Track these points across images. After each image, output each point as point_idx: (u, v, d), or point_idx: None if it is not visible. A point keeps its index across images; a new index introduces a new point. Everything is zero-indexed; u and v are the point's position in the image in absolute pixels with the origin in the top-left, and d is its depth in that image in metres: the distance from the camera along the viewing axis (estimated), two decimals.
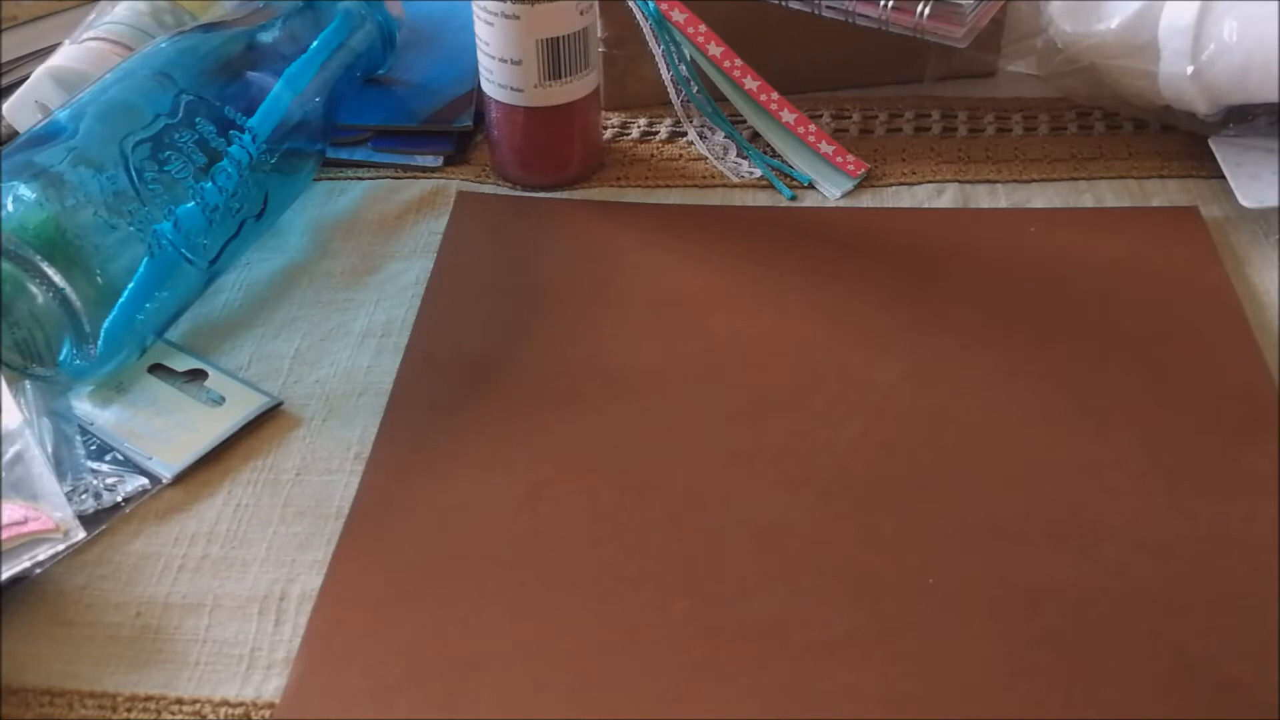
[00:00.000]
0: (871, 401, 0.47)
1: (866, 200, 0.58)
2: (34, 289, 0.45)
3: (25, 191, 0.46)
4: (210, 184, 0.50)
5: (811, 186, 0.59)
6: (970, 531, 0.42)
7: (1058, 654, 0.38)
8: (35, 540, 0.42)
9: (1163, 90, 0.55)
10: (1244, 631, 0.38)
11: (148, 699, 0.39)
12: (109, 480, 0.45)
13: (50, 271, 0.45)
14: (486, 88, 0.58)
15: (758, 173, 0.60)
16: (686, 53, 0.60)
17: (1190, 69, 0.53)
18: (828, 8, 0.57)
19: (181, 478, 0.46)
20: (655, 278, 0.53)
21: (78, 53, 0.59)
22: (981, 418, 0.46)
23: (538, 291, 0.53)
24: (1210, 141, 0.57)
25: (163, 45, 0.53)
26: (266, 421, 0.48)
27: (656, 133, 0.63)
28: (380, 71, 0.65)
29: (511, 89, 0.56)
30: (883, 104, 0.64)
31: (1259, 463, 0.44)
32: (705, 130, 0.62)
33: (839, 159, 0.59)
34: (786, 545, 0.42)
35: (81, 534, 0.43)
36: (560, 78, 0.56)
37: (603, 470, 0.45)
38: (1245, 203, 0.53)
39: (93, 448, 0.47)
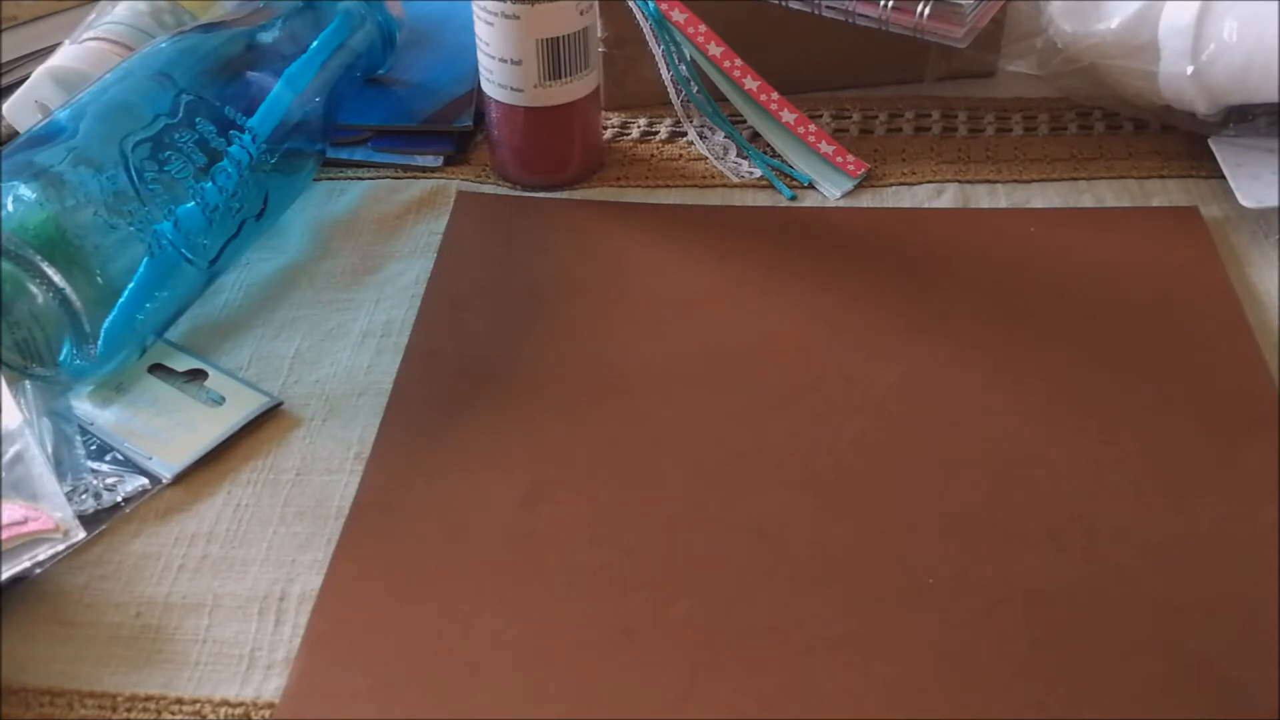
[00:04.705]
0: (872, 401, 0.47)
1: (866, 200, 0.58)
2: (34, 289, 0.45)
3: (25, 191, 0.46)
4: (210, 184, 0.50)
5: (811, 186, 0.59)
6: (970, 531, 0.42)
7: (1058, 654, 0.38)
8: (35, 540, 0.42)
9: (1163, 90, 0.55)
10: (1244, 631, 0.38)
11: (148, 699, 0.39)
12: (109, 480, 0.45)
13: (50, 271, 0.45)
14: (486, 88, 0.58)
15: (758, 173, 0.60)
16: (686, 53, 0.60)
17: (1190, 69, 0.53)
18: (828, 8, 0.57)
19: (181, 478, 0.46)
20: (655, 278, 0.53)
21: (78, 53, 0.59)
22: (981, 418, 0.46)
23: (538, 291, 0.53)
24: (1210, 141, 0.57)
25: (163, 45, 0.53)
26: (266, 421, 0.48)
27: (656, 133, 0.63)
28: (380, 71, 0.65)
29: (511, 89, 0.56)
30: (883, 104, 0.64)
31: (1259, 463, 0.44)
32: (705, 130, 0.62)
33: (839, 159, 0.59)
34: (786, 545, 0.42)
35: (81, 534, 0.43)
36: (560, 78, 0.56)
37: (603, 470, 0.45)
38: (1245, 203, 0.53)
39: (93, 448, 0.47)
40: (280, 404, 0.49)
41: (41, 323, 0.46)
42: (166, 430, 0.47)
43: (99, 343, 0.46)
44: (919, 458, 0.45)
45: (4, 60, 0.65)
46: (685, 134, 0.62)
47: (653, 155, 0.62)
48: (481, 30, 0.56)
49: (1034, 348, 0.49)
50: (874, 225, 0.56)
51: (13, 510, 0.42)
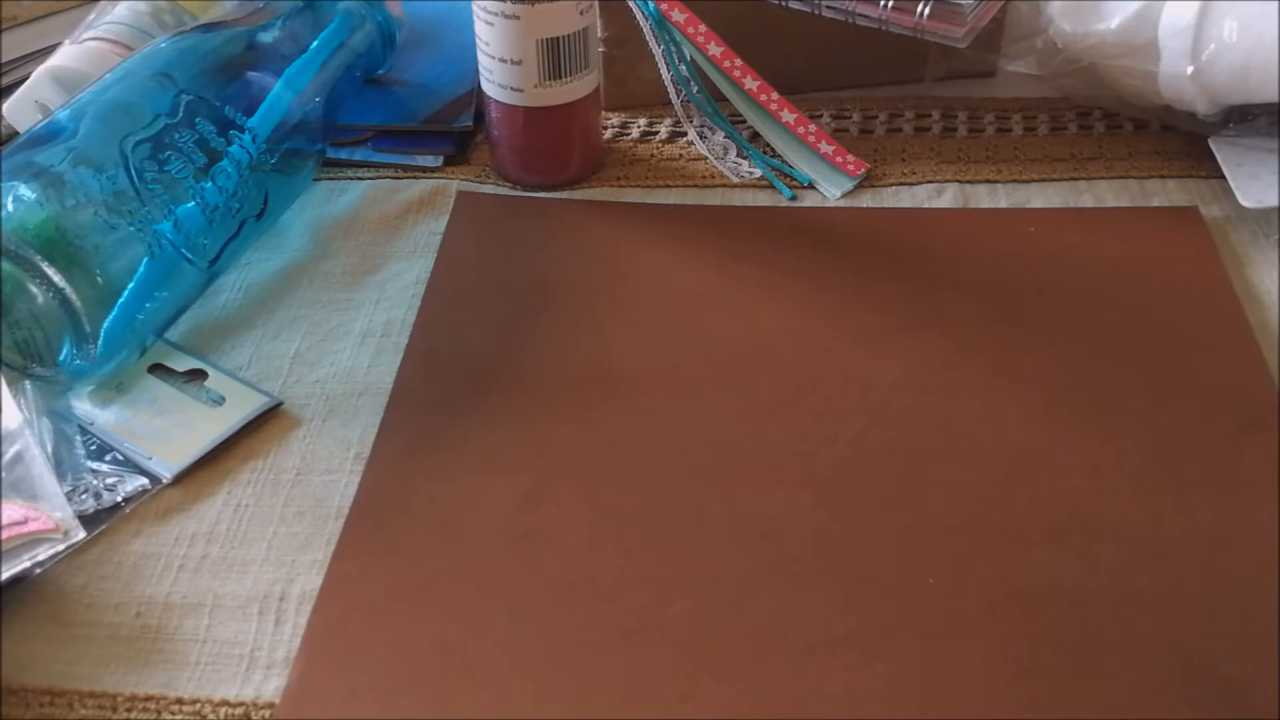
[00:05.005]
0: (871, 401, 0.47)
1: (866, 200, 0.58)
2: (34, 289, 0.45)
3: (25, 191, 0.46)
4: (210, 184, 0.50)
5: (811, 186, 0.59)
6: (970, 531, 0.42)
7: (1058, 654, 0.38)
8: (35, 540, 0.42)
9: (1163, 90, 0.55)
10: (1244, 631, 0.38)
11: (148, 699, 0.39)
12: (109, 480, 0.45)
13: (50, 271, 0.45)
14: (486, 88, 0.58)
15: (758, 173, 0.60)
16: (686, 53, 0.60)
17: (1190, 69, 0.53)
18: (828, 8, 0.57)
19: (181, 478, 0.46)
20: (655, 278, 0.53)
21: (78, 53, 0.59)
22: (981, 417, 0.46)
23: (537, 291, 0.53)
24: (1210, 141, 0.57)
25: (163, 45, 0.53)
26: (266, 421, 0.48)
27: (656, 133, 0.63)
28: (380, 71, 0.65)
29: (511, 89, 0.56)
30: (883, 104, 0.64)
31: (1259, 463, 0.44)
32: (705, 130, 0.62)
33: (839, 159, 0.59)
34: (786, 545, 0.42)
35: (81, 534, 0.43)
36: (560, 78, 0.56)
37: (603, 470, 0.45)
38: (1245, 203, 0.53)
39: (93, 448, 0.47)
40: (280, 404, 0.49)
41: (41, 323, 0.46)
42: (166, 430, 0.47)
43: (99, 343, 0.46)
44: (919, 457, 0.45)
45: (4, 60, 0.65)
46: (685, 134, 0.62)
47: (653, 155, 0.62)
48: (481, 30, 0.56)
49: (1034, 347, 0.49)
50: (874, 225, 0.56)
51: (13, 510, 0.42)
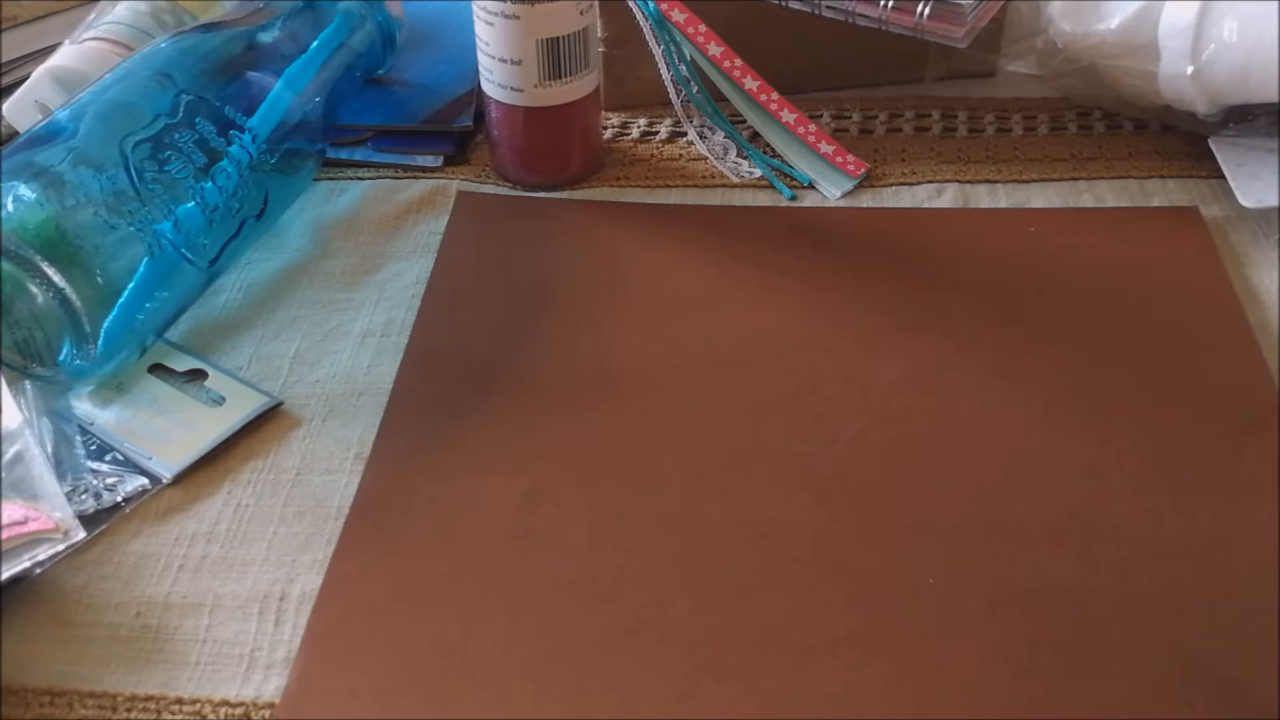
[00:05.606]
0: (871, 401, 0.47)
1: (866, 200, 0.58)
2: (34, 289, 0.45)
3: (25, 191, 0.46)
4: (210, 184, 0.50)
5: (811, 186, 0.59)
6: (970, 531, 0.42)
7: (1058, 654, 0.38)
8: (35, 540, 0.42)
9: (1163, 90, 0.55)
10: (1244, 631, 0.38)
11: (148, 699, 0.39)
12: (109, 480, 0.45)
13: (50, 271, 0.45)
14: (486, 88, 0.58)
15: (758, 173, 0.60)
16: (686, 53, 0.60)
17: (1190, 69, 0.53)
18: (828, 8, 0.57)
19: (181, 478, 0.46)
20: (655, 278, 0.53)
21: (78, 53, 0.59)
22: (981, 417, 0.46)
23: (537, 291, 0.53)
24: (1210, 141, 0.57)
25: (163, 45, 0.53)
26: (266, 421, 0.48)
27: (656, 133, 0.63)
28: (380, 71, 0.65)
29: (511, 89, 0.56)
30: (883, 104, 0.64)
31: (1259, 463, 0.44)
32: (705, 130, 0.62)
33: (839, 159, 0.59)
34: (786, 545, 0.42)
35: (81, 534, 0.43)
36: (560, 78, 0.56)
37: (603, 470, 0.45)
38: (1245, 203, 0.53)
39: (93, 448, 0.47)
40: (280, 404, 0.49)
41: (41, 323, 0.46)
42: (166, 430, 0.47)
43: (99, 343, 0.46)
44: (918, 457, 0.45)
45: (4, 60, 0.65)
46: (685, 134, 0.62)
47: (653, 155, 0.62)
48: (481, 30, 0.56)
49: (1034, 347, 0.49)
50: (874, 225, 0.56)
51: (13, 510, 0.42)
